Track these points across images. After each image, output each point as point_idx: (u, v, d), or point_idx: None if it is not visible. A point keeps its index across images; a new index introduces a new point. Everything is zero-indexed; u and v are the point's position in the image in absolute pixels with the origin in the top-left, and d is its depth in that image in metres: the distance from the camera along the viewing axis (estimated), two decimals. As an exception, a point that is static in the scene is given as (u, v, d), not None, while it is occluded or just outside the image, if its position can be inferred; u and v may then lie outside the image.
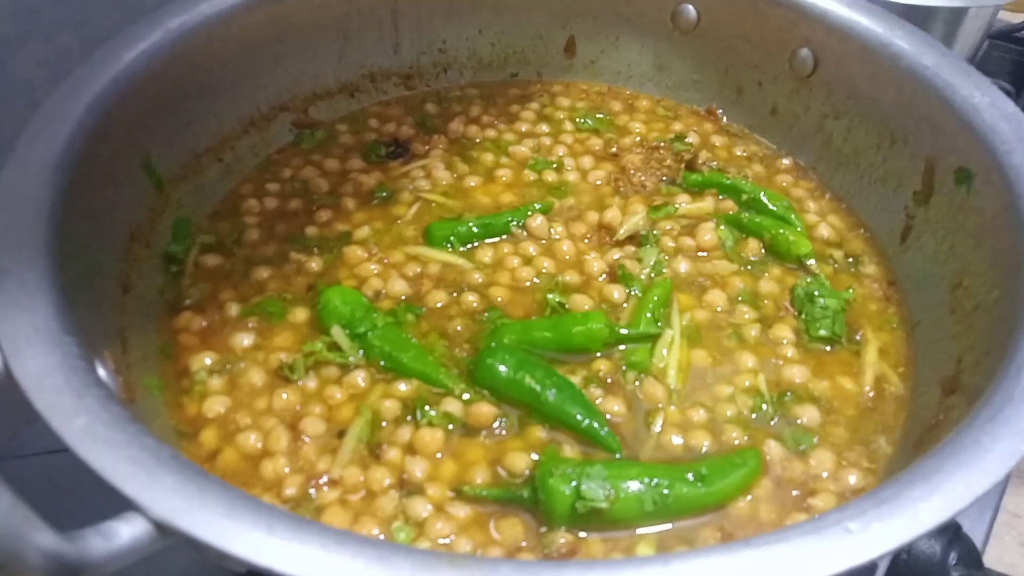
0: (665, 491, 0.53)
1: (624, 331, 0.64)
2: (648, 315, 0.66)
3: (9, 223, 0.51)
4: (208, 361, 0.62)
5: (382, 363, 0.62)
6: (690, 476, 0.54)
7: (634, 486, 0.53)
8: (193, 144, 0.73)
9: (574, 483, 0.52)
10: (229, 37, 0.73)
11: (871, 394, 0.63)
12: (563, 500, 0.52)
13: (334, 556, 0.37)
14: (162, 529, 0.38)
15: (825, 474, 0.58)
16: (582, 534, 0.53)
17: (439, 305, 0.67)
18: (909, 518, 0.40)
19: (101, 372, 0.48)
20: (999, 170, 0.61)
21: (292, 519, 0.39)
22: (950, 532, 0.65)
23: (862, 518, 0.39)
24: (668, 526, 0.54)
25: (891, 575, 0.65)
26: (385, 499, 0.54)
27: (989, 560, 0.68)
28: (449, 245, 0.72)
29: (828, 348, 0.66)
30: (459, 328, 0.66)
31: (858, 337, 0.67)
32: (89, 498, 0.38)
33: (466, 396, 0.60)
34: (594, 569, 0.39)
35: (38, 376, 0.43)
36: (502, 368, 0.60)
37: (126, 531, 0.38)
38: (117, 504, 0.39)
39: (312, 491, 0.55)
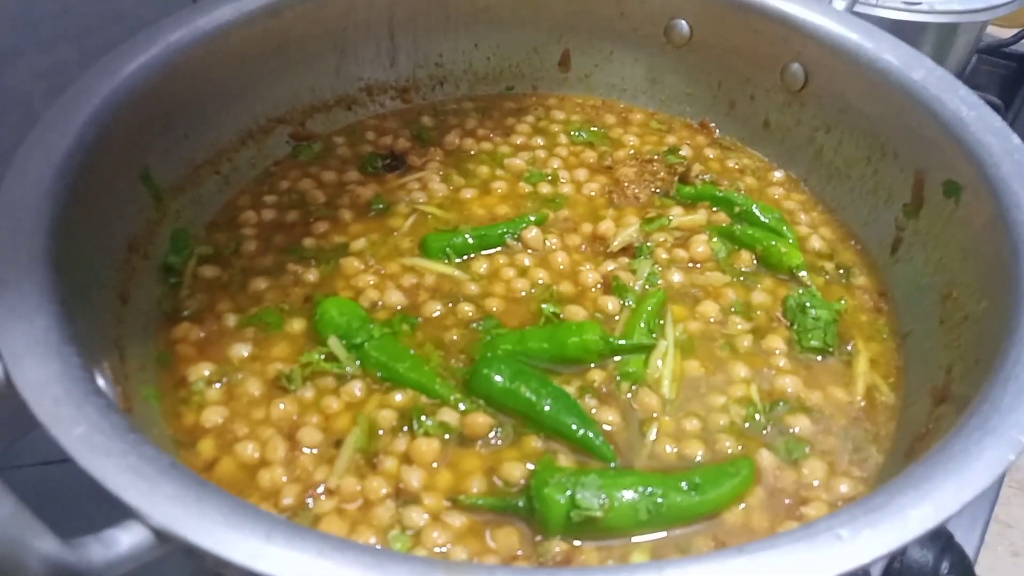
0: (659, 500, 0.53)
1: (618, 342, 0.65)
2: (642, 326, 0.66)
3: (8, 234, 0.51)
4: (206, 371, 0.63)
5: (378, 373, 0.62)
6: (684, 485, 0.55)
7: (628, 495, 0.53)
8: (191, 156, 0.74)
9: (569, 492, 0.53)
10: (227, 51, 0.74)
11: (862, 404, 0.64)
12: (558, 509, 0.52)
13: (331, 563, 0.37)
14: (161, 537, 0.39)
15: (817, 483, 0.58)
16: (577, 543, 0.53)
17: (435, 316, 0.68)
18: (899, 524, 0.40)
19: (100, 382, 0.48)
20: (986, 183, 0.62)
21: (290, 527, 0.39)
22: (942, 541, 0.65)
23: (853, 524, 0.40)
24: (662, 535, 0.54)
25: (884, 584, 0.65)
26: (382, 508, 0.55)
27: (981, 569, 0.69)
28: (445, 256, 0.73)
29: (820, 358, 0.67)
30: (455, 338, 0.66)
31: (849, 347, 0.68)
32: (83, 510, 0.39)
33: (462, 406, 0.60)
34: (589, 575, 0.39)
35: (38, 385, 0.43)
36: (498, 378, 0.60)
37: (126, 539, 0.38)
38: (110, 516, 0.39)
39: (309, 500, 0.55)
